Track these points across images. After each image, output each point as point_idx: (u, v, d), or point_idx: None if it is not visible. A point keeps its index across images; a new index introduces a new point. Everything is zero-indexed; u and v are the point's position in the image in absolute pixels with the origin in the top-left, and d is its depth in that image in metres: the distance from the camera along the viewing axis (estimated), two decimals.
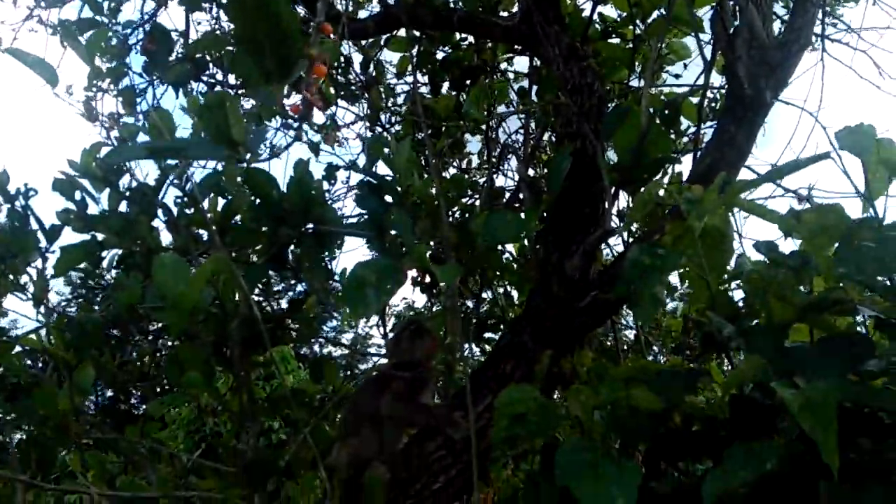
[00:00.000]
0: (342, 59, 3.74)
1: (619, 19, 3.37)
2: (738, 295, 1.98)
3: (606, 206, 2.23)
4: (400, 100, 4.02)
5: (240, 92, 3.38)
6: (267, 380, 7.60)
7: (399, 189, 1.91)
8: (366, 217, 2.21)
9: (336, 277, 2.61)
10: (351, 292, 1.61)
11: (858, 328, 1.63)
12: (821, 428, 1.10)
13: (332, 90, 3.68)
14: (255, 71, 0.97)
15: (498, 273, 3.27)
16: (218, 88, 3.36)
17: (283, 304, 2.90)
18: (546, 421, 1.53)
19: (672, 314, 4.51)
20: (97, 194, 2.34)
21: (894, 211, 1.39)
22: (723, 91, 2.71)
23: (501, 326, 3.44)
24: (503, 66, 3.83)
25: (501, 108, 3.61)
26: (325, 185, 2.72)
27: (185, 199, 2.39)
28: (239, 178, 2.36)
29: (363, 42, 3.83)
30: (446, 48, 3.68)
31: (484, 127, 3.62)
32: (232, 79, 3.32)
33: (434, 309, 3.73)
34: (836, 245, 1.38)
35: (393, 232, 2.07)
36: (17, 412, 1.72)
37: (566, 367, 2.09)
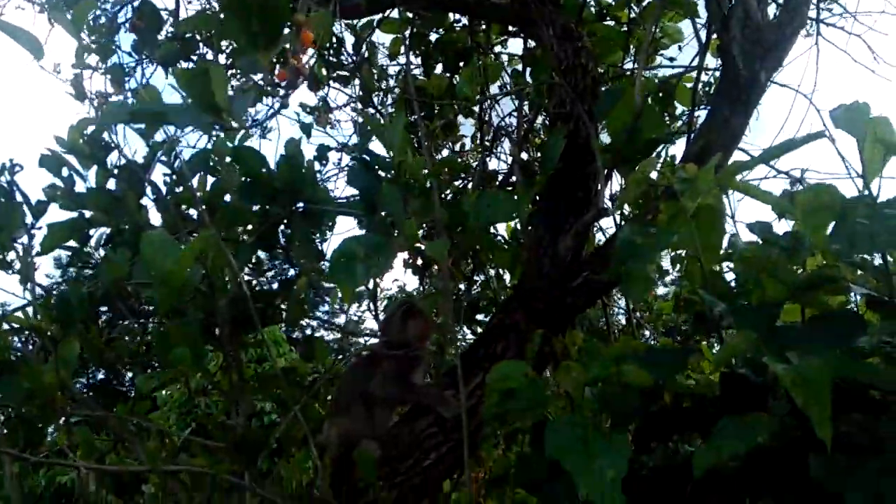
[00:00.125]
0: (334, 39, 3.70)
1: (613, 2, 3.35)
2: (730, 277, 1.99)
3: (599, 187, 2.23)
4: (392, 82, 3.99)
5: (230, 72, 3.34)
6: (259, 362, 7.59)
7: (391, 165, 1.89)
8: (357, 197, 2.19)
9: (327, 258, 2.60)
10: (339, 266, 1.60)
11: (850, 307, 1.63)
12: (814, 402, 1.10)
13: (323, 71, 3.64)
14: (243, 37, 0.95)
15: (490, 255, 3.26)
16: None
17: (274, 285, 2.88)
18: (537, 397, 1.52)
19: (664, 298, 4.52)
20: (84, 171, 2.31)
21: (889, 190, 1.39)
22: (717, 74, 2.70)
23: (493, 309, 3.44)
24: (497, 48, 3.80)
25: (494, 89, 3.58)
26: (317, 166, 2.70)
27: (174, 176, 2.36)
28: (228, 159, 2.34)
29: (355, 23, 3.79)
30: (439, 30, 3.64)
31: (477, 109, 3.60)
32: (222, 58, 3.28)
33: (426, 291, 3.72)
34: (832, 224, 1.37)
35: (384, 213, 2.06)
36: (2, 389, 1.70)
37: (557, 347, 2.09)
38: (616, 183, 3.01)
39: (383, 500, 1.96)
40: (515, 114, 3.63)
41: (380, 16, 3.63)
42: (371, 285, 2.97)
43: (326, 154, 2.84)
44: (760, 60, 2.03)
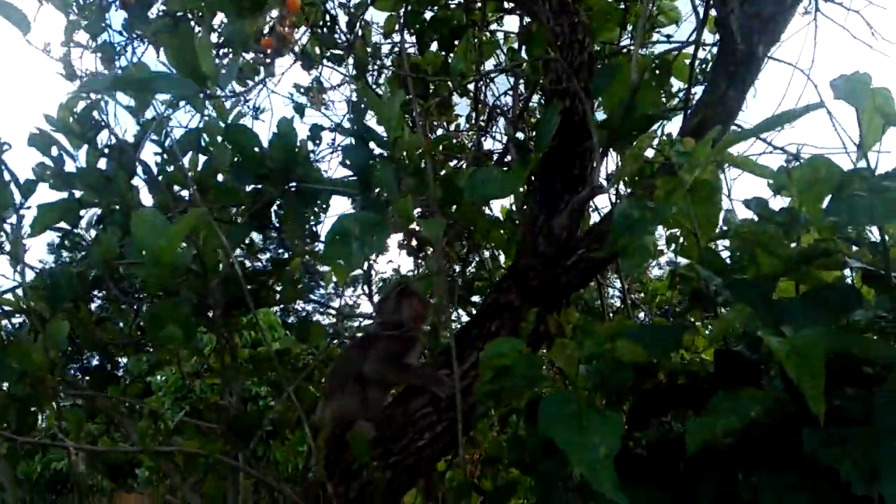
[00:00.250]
0: (327, 17, 3.65)
1: None
2: (725, 256, 1.98)
3: (595, 164, 2.21)
4: (387, 62, 3.94)
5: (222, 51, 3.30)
6: (254, 347, 7.60)
7: (387, 141, 1.86)
8: (351, 176, 2.17)
9: (321, 240, 2.57)
10: (333, 244, 1.58)
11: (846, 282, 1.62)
12: (808, 376, 1.09)
13: (317, 50, 3.59)
14: (228, 3, 0.92)
15: (485, 234, 3.24)
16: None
17: (268, 268, 2.87)
18: (531, 373, 1.51)
19: (659, 279, 4.52)
20: (75, 151, 2.28)
21: (886, 163, 1.37)
22: (715, 51, 2.67)
23: (488, 290, 3.43)
24: (493, 26, 3.75)
25: (490, 66, 3.54)
26: (310, 146, 2.67)
27: (165, 155, 2.33)
28: (220, 138, 2.31)
29: (348, 0, 3.73)
30: (434, 7, 3.59)
31: (472, 87, 3.56)
32: (214, 37, 3.23)
33: (421, 272, 3.70)
34: (829, 197, 1.36)
35: (378, 190, 2.03)
36: None
37: (552, 326, 2.08)
38: (612, 160, 2.99)
39: (377, 480, 1.96)
40: (511, 93, 3.60)
41: None
42: (365, 267, 2.95)
43: (320, 134, 2.81)
44: (758, 34, 2.00)
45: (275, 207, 2.48)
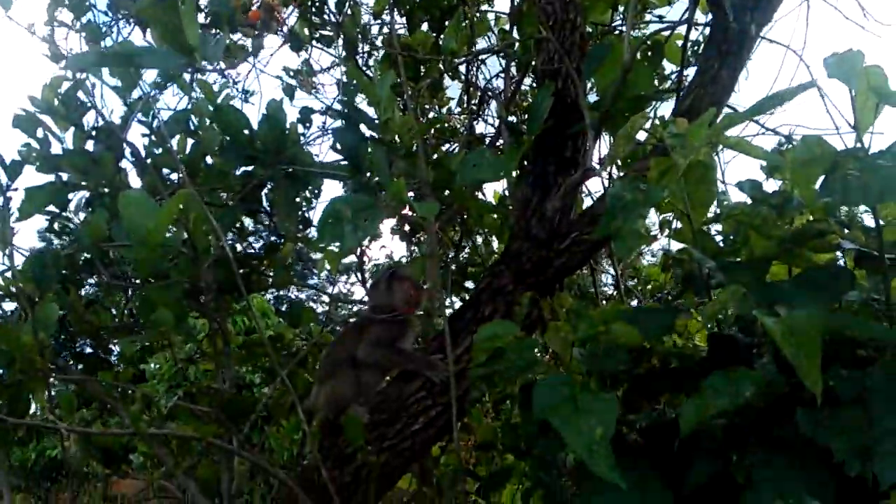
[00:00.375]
0: None
1: None
2: (718, 239, 1.98)
3: (588, 146, 2.19)
4: (377, 42, 3.89)
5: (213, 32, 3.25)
6: (248, 334, 7.58)
7: (377, 122, 1.84)
8: (342, 160, 2.15)
9: (313, 225, 2.55)
10: (326, 227, 1.56)
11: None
12: (804, 355, 1.09)
13: (306, 31, 3.55)
14: None
15: (478, 219, 3.23)
16: None
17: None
18: (525, 356, 1.51)
19: (652, 266, 4.52)
20: (61, 133, 2.25)
21: (879, 144, 1.37)
22: (707, 32, 2.65)
23: (482, 275, 3.42)
24: (484, 7, 3.71)
25: (482, 45, 3.50)
26: (301, 129, 2.64)
27: (153, 137, 2.30)
28: (208, 121, 2.28)
29: None
30: None
31: (463, 69, 3.52)
32: (201, 17, 3.18)
33: (413, 257, 3.69)
34: (822, 178, 1.35)
35: (370, 173, 2.01)
36: None
37: (546, 310, 2.07)
38: (605, 143, 2.98)
39: (372, 464, 1.95)
40: (502, 75, 3.57)
41: None
42: (358, 253, 2.93)
43: (310, 116, 2.78)
44: (751, 12, 1.99)
45: (265, 191, 2.46)
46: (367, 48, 3.76)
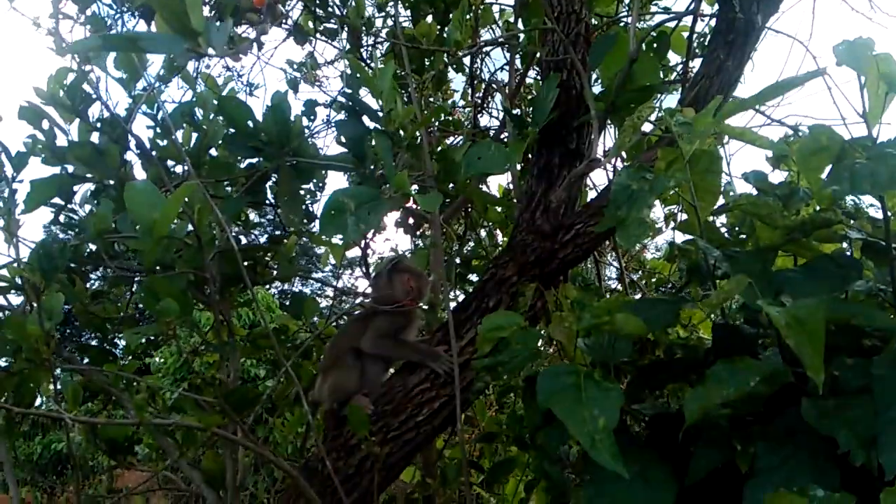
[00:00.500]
0: None
1: None
2: (724, 231, 1.97)
3: (592, 137, 2.18)
4: (382, 34, 3.88)
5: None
6: (252, 328, 7.60)
7: (380, 114, 1.83)
8: (346, 151, 2.14)
9: (317, 217, 2.55)
10: (329, 219, 1.56)
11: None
12: (807, 344, 1.08)
13: (310, 24, 3.54)
14: None
15: (482, 212, 3.22)
16: None
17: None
18: (528, 346, 1.50)
19: (656, 259, 4.51)
20: (66, 125, 2.25)
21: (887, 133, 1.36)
22: (713, 23, 2.63)
23: (486, 267, 3.42)
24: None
25: (486, 37, 3.49)
26: (305, 122, 2.64)
27: (158, 129, 2.30)
28: (213, 114, 2.28)
29: None
30: None
31: (467, 61, 3.52)
32: (206, 9, 3.17)
33: (417, 249, 3.69)
34: (828, 168, 1.34)
35: (373, 165, 2.01)
36: None
37: (550, 302, 2.07)
38: (610, 135, 2.97)
39: (376, 454, 1.96)
40: (507, 67, 3.56)
41: None
42: (362, 245, 2.93)
43: (314, 109, 2.78)
44: (757, 2, 1.98)
45: (270, 183, 2.46)
46: (371, 40, 3.75)
